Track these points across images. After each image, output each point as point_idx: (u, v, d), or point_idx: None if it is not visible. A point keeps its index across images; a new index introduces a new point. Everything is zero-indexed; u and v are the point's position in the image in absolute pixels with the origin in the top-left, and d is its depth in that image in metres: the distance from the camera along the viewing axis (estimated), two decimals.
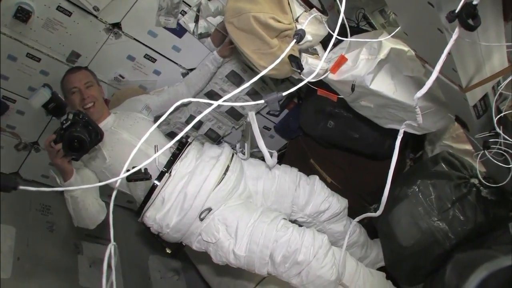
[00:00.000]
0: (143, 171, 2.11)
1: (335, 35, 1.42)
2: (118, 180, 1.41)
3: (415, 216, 2.29)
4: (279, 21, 2.06)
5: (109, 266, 2.65)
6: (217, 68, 2.81)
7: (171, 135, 3.10)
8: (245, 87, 1.41)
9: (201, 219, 2.24)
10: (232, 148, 2.60)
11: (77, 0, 2.33)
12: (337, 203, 2.65)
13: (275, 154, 2.54)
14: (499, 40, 1.26)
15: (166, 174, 2.29)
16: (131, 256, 3.39)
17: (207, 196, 2.23)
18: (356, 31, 2.54)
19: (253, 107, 3.17)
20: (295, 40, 1.36)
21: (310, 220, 2.65)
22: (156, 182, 2.25)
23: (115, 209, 1.91)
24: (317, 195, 2.62)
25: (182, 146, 2.43)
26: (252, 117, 2.39)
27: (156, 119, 2.61)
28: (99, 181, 2.35)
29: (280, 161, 3.47)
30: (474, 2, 0.91)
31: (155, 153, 2.26)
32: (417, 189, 2.34)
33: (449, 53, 1.07)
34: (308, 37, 2.12)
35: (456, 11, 0.93)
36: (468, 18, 0.93)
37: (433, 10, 1.00)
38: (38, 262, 2.77)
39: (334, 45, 2.20)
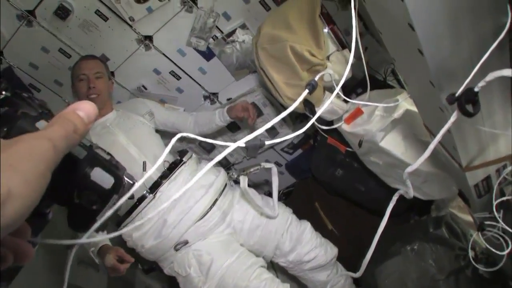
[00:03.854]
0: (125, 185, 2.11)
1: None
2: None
3: (406, 277, 2.20)
4: (313, 55, 2.06)
5: (95, 267, 2.66)
6: (222, 124, 2.67)
7: (183, 153, 3.12)
8: (275, 121, 1.34)
9: (176, 250, 2.18)
10: (228, 172, 2.48)
11: (115, 8, 2.42)
12: (323, 256, 2.48)
13: (275, 170, 2.34)
14: (506, 125, 1.24)
15: (150, 195, 2.20)
16: None
17: (186, 229, 2.16)
18: (382, 85, 2.54)
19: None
20: (307, 91, 1.36)
21: (292, 266, 2.51)
22: (148, 194, 2.19)
23: None
24: (303, 245, 2.45)
25: (175, 164, 2.32)
26: (274, 172, 2.32)
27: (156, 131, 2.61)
28: None
29: (286, 198, 3.46)
30: (476, 89, 0.90)
31: (143, 170, 2.20)
32: (413, 249, 2.25)
33: (449, 132, 1.06)
34: (336, 76, 2.14)
35: (456, 94, 0.92)
36: (468, 104, 0.92)
37: (433, 89, 1.00)
38: (51, 253, 2.78)
39: (356, 94, 2.21)
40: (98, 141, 2.30)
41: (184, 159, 2.37)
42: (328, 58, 2.16)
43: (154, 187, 2.21)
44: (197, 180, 2.18)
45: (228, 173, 2.44)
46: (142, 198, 2.19)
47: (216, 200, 2.26)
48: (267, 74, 2.22)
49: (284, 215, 2.49)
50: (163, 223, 2.16)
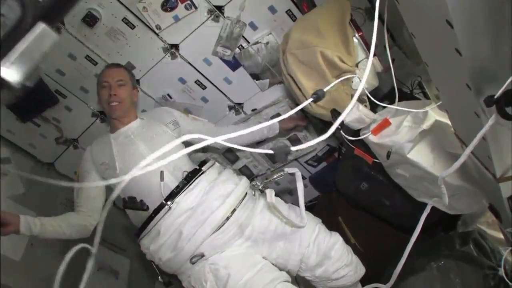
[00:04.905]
0: (138, 201, 2.13)
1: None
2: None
3: None
4: (343, 62, 2.03)
5: (115, 275, 2.63)
6: (268, 136, 2.83)
7: (203, 162, 3.12)
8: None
9: (192, 263, 2.10)
10: (251, 180, 2.38)
11: (142, 16, 2.44)
12: (352, 276, 2.32)
13: (299, 174, 2.22)
14: None
15: (166, 206, 2.14)
16: (140, 272, 3.38)
17: (201, 241, 2.07)
18: (409, 97, 2.50)
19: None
20: (311, 99, 1.33)
21: (318, 281, 2.34)
22: (168, 202, 2.14)
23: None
24: (333, 262, 2.25)
25: (194, 173, 2.25)
26: (298, 176, 2.21)
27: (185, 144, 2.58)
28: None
29: (310, 211, 3.42)
30: None
31: (161, 180, 2.17)
32: (439, 267, 2.15)
33: (484, 139, 1.02)
34: (364, 84, 2.11)
35: (495, 96, 0.89)
36: (508, 106, 0.88)
37: (470, 92, 0.96)
38: (49, 252, 2.81)
39: (383, 107, 2.18)
40: (120, 150, 2.31)
41: (204, 168, 2.30)
42: (357, 65, 2.14)
43: (170, 197, 2.16)
44: (215, 190, 2.14)
45: (251, 183, 2.35)
46: (157, 209, 2.15)
47: (234, 210, 2.16)
48: (296, 80, 2.19)
49: (310, 225, 2.30)
50: (179, 235, 2.09)
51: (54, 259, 2.83)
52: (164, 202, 2.13)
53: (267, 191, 2.01)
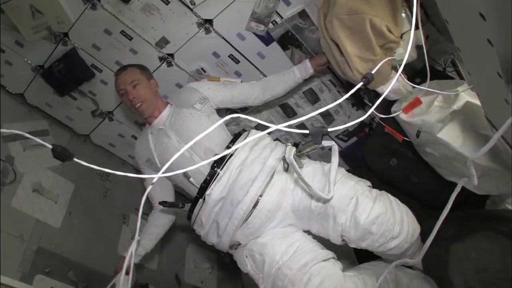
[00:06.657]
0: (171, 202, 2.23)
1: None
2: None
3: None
4: (390, 31, 2.02)
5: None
6: (303, 79, 2.57)
7: (237, 136, 3.14)
8: (341, 100, 1.25)
9: (233, 249, 2.21)
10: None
11: None
12: (403, 246, 2.03)
13: (335, 148, 2.03)
14: None
15: (200, 199, 2.19)
16: (173, 237, 3.50)
17: (233, 233, 2.10)
18: (441, 76, 2.48)
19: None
20: (361, 83, 1.32)
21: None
22: (201, 195, 2.20)
23: None
24: (376, 238, 1.97)
25: (222, 160, 2.18)
26: (335, 150, 2.02)
27: (217, 111, 2.54)
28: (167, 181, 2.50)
29: None
30: None
31: (187, 178, 2.21)
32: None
33: None
34: (407, 56, 2.10)
35: None
36: None
37: (501, 80, 0.97)
38: (86, 221, 2.94)
39: (415, 84, 2.17)
40: (156, 144, 2.36)
41: (232, 148, 2.00)
42: (401, 36, 2.12)
43: (202, 189, 2.18)
44: (242, 175, 2.11)
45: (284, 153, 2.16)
46: (194, 203, 2.22)
47: (261, 195, 2.08)
48: (340, 44, 2.14)
49: (344, 199, 2.01)
50: (216, 226, 2.17)
51: (90, 226, 2.98)
52: (197, 196, 2.19)
53: (287, 148, 2.00)
